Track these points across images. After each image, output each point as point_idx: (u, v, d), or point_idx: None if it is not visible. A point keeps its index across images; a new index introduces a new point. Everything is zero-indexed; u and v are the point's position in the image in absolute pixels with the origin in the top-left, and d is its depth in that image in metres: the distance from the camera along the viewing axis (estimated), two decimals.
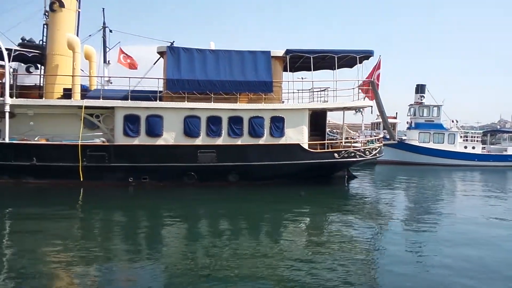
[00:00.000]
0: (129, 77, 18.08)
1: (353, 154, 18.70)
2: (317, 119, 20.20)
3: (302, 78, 28.96)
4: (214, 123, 17.48)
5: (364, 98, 20.01)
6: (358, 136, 28.57)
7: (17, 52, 18.02)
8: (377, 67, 20.58)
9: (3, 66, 17.13)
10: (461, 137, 34.09)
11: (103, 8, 24.61)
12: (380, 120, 26.13)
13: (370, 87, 19.91)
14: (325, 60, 20.02)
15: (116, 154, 16.53)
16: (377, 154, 19.98)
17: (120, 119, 17.02)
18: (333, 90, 19.34)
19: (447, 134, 33.23)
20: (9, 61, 16.80)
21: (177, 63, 17.61)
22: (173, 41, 20.09)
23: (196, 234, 10.46)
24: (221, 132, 17.56)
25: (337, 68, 20.06)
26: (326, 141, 19.65)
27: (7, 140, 16.09)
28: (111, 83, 22.42)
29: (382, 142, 21.00)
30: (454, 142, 33.08)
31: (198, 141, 17.36)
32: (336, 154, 18.30)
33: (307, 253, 8.88)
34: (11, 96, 16.54)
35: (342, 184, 19.80)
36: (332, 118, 37.81)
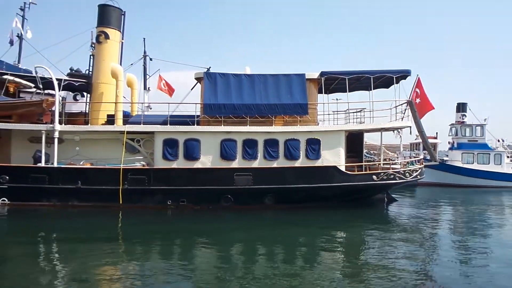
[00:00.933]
0: (168, 103, 18.76)
1: (392, 176, 18.16)
2: (354, 141, 19.91)
3: (336, 100, 28.89)
4: (250, 146, 17.64)
5: (402, 118, 19.56)
6: (397, 157, 27.72)
7: (66, 82, 19.25)
8: (416, 86, 20.15)
9: (53, 95, 18.30)
10: (508, 157, 32.30)
11: (144, 38, 26.03)
12: (419, 140, 25.36)
13: (408, 107, 19.46)
14: (360, 81, 19.91)
15: (155, 177, 16.98)
16: (418, 176, 19.31)
17: (159, 143, 17.58)
18: (370, 111, 19.14)
19: (493, 154, 31.59)
20: (59, 90, 17.92)
21: (213, 88, 18.10)
22: (210, 67, 20.78)
23: (232, 258, 10.43)
24: (257, 155, 17.67)
25: (373, 89, 19.87)
26: (363, 163, 19.26)
27: (55, 165, 17.00)
28: (150, 108, 23.39)
29: (423, 164, 20.30)
30: (500, 162, 31.36)
31: (235, 164, 17.54)
32: (374, 176, 17.86)
33: (348, 281, 8.60)
34: (60, 123, 17.55)
35: (381, 207, 19.21)
36: (368, 138, 37.14)
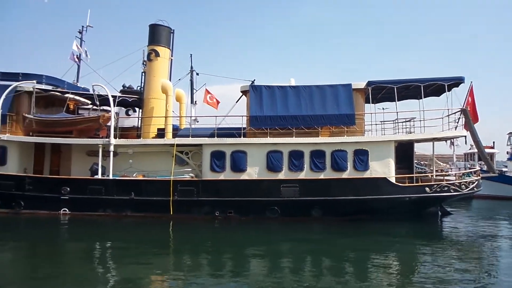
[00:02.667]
0: (215, 116, 19.24)
1: (446, 189, 17.29)
2: (404, 151, 19.24)
3: (383, 109, 28.13)
4: (296, 157, 17.60)
5: (456, 127, 18.65)
6: (450, 169, 26.42)
7: (120, 98, 20.35)
8: (470, 93, 19.18)
9: (109, 111, 19.39)
10: None
11: (191, 54, 26.94)
12: (475, 150, 24.03)
13: (462, 116, 18.54)
14: (409, 89, 19.31)
15: (203, 189, 17.37)
16: (475, 189, 18.23)
17: (207, 156, 18.01)
18: (420, 120, 18.44)
19: None
20: (113, 106, 18.98)
21: (259, 100, 18.33)
22: (254, 80, 21.08)
23: (279, 269, 10.35)
24: (303, 167, 17.58)
25: (424, 97, 19.17)
26: (415, 175, 18.52)
27: (111, 177, 17.91)
28: (197, 121, 24.04)
29: (479, 175, 19.15)
30: None
31: (281, 176, 17.55)
32: (427, 188, 17.10)
33: None
34: (114, 137, 18.53)
35: (435, 221, 18.29)
36: (418, 148, 35.71)
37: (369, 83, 18.18)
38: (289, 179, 17.36)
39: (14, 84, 19.27)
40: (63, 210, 17.67)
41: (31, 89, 19.54)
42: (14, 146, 19.09)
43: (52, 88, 20.83)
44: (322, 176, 17.47)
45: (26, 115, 19.23)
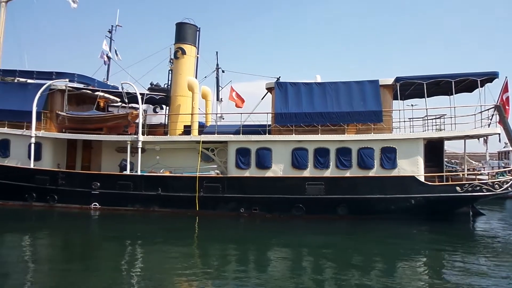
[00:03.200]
0: (240, 113, 19.36)
1: (479, 188, 16.68)
2: (433, 149, 18.70)
3: (412, 106, 27.45)
4: (321, 154, 17.46)
5: (489, 124, 17.94)
6: (483, 167, 25.46)
7: (147, 96, 20.78)
8: (504, 89, 18.35)
9: (137, 109, 19.85)
10: None
11: (217, 52, 27.21)
12: (509, 148, 23.05)
13: (496, 113, 17.81)
14: (439, 85, 18.73)
15: (229, 185, 17.53)
16: (509, 188, 17.49)
17: (232, 152, 18.14)
18: (451, 117, 17.88)
19: None
20: (141, 104, 19.41)
21: (284, 97, 18.27)
22: (279, 77, 21.06)
23: (301, 267, 10.33)
24: (329, 164, 17.42)
25: (455, 94, 18.55)
26: (445, 173, 17.98)
27: (139, 173, 18.36)
28: (223, 119, 24.26)
29: None
30: None
31: (306, 173, 17.47)
32: (458, 188, 16.57)
33: None
34: (142, 134, 18.96)
35: (466, 222, 17.69)
36: (448, 146, 34.66)
37: (397, 79, 17.77)
38: (315, 176, 17.25)
39: (48, 82, 20.04)
40: (93, 205, 18.27)
41: (64, 88, 20.26)
42: (49, 142, 19.87)
43: (84, 86, 21.54)
44: (348, 174, 17.25)
45: (59, 112, 19.97)
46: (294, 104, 18.09)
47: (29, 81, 21.35)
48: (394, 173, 17.03)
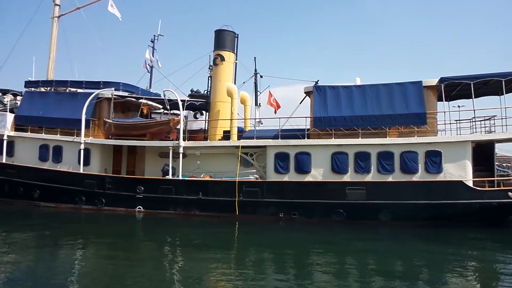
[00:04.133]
0: (279, 117, 19.40)
1: None
2: (482, 152, 17.72)
3: (458, 107, 26.24)
4: (362, 159, 17.10)
5: None
6: None
7: (188, 102, 21.33)
8: None
9: (178, 115, 20.43)
10: None
11: (255, 57, 27.46)
12: None
13: None
14: (488, 85, 17.77)
15: (268, 190, 17.58)
16: None
17: (271, 157, 18.19)
18: (501, 118, 16.92)
19: None
20: (182, 110, 19.96)
21: (323, 101, 18.10)
22: (318, 80, 20.83)
23: (342, 272, 10.12)
24: (370, 168, 17.02)
25: (505, 93, 17.54)
26: (496, 178, 17.00)
27: (180, 177, 18.86)
28: (261, 123, 24.40)
29: None
30: None
31: (346, 178, 17.17)
32: (510, 193, 15.60)
33: None
34: (183, 139, 19.48)
35: None
36: (499, 149, 32.73)
37: (442, 80, 17.07)
38: (355, 181, 16.91)
39: (96, 91, 21.12)
40: (138, 208, 18.96)
41: (110, 96, 21.26)
42: (96, 148, 20.92)
43: (128, 94, 22.48)
44: (390, 178, 16.76)
45: (106, 119, 20.98)
46: (333, 108, 17.87)
47: (79, 90, 22.61)
48: (440, 177, 16.33)
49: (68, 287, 8.69)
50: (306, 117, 18.66)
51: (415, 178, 16.54)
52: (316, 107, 18.09)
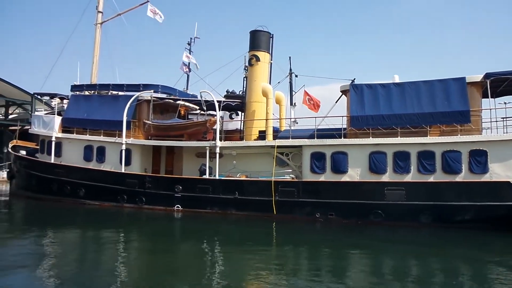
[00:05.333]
0: (315, 117, 19.27)
1: None
2: None
3: (505, 104, 24.85)
4: (401, 158, 16.64)
5: None
6: None
7: (224, 103, 21.65)
8: None
9: (214, 115, 20.79)
10: None
11: (290, 57, 27.36)
12: None
13: None
14: None
15: (304, 190, 17.50)
16: None
17: (307, 157, 18.10)
18: None
19: None
20: (219, 111, 20.28)
21: (360, 99, 17.78)
22: (354, 79, 20.49)
23: (380, 276, 9.90)
24: (410, 169, 16.52)
25: None
26: None
27: (217, 177, 19.18)
28: (297, 123, 24.29)
29: None
30: None
31: (385, 178, 16.77)
32: None
33: None
34: (220, 139, 19.79)
35: None
36: None
37: (487, 75, 16.28)
38: (394, 181, 16.48)
39: (136, 94, 21.90)
40: (176, 207, 19.48)
41: (150, 98, 21.97)
42: (137, 149, 21.70)
43: (166, 96, 23.14)
44: (431, 179, 16.19)
45: (146, 121, 21.71)
46: (371, 106, 17.51)
47: (120, 93, 23.54)
48: (485, 178, 15.58)
49: (116, 279, 9.08)
50: (342, 116, 18.42)
51: (458, 178, 15.88)
52: (353, 105, 17.80)
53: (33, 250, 11.74)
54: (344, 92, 18.98)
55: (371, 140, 17.12)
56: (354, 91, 18.06)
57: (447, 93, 16.67)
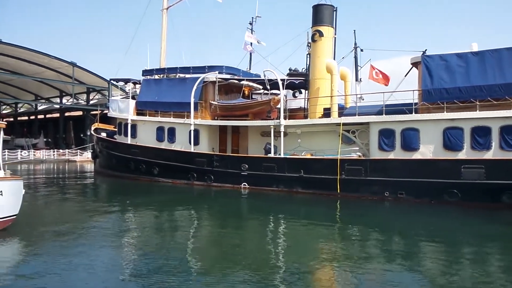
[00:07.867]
0: (383, 92, 18.38)
1: None
2: None
3: None
4: (481, 134, 15.38)
5: None
6: None
7: (287, 81, 21.50)
8: None
9: (278, 94, 20.77)
10: None
11: (354, 30, 26.07)
12: None
13: None
14: None
15: (371, 168, 17.00)
16: None
17: (375, 134, 17.47)
18: None
19: None
20: (282, 89, 20.21)
21: (433, 71, 16.61)
22: (426, 49, 19.06)
23: (456, 262, 9.37)
24: (491, 145, 15.23)
25: None
26: None
27: (282, 155, 19.33)
28: (363, 99, 23.38)
29: None
30: None
31: (461, 155, 15.67)
32: None
33: None
34: (284, 118, 19.81)
35: None
36: None
37: None
38: (472, 159, 15.33)
39: (202, 76, 22.58)
40: (243, 184, 20.05)
41: (215, 79, 22.53)
42: (204, 129, 22.55)
43: (231, 76, 23.54)
44: None
45: (212, 102, 22.37)
46: (446, 79, 16.29)
47: (187, 76, 24.43)
48: None
49: (189, 251, 9.71)
50: (413, 90, 17.37)
51: None
52: (425, 78, 16.69)
53: (119, 224, 12.89)
54: (414, 64, 17.84)
55: (446, 115, 15.99)
56: (426, 62, 16.88)
57: None
